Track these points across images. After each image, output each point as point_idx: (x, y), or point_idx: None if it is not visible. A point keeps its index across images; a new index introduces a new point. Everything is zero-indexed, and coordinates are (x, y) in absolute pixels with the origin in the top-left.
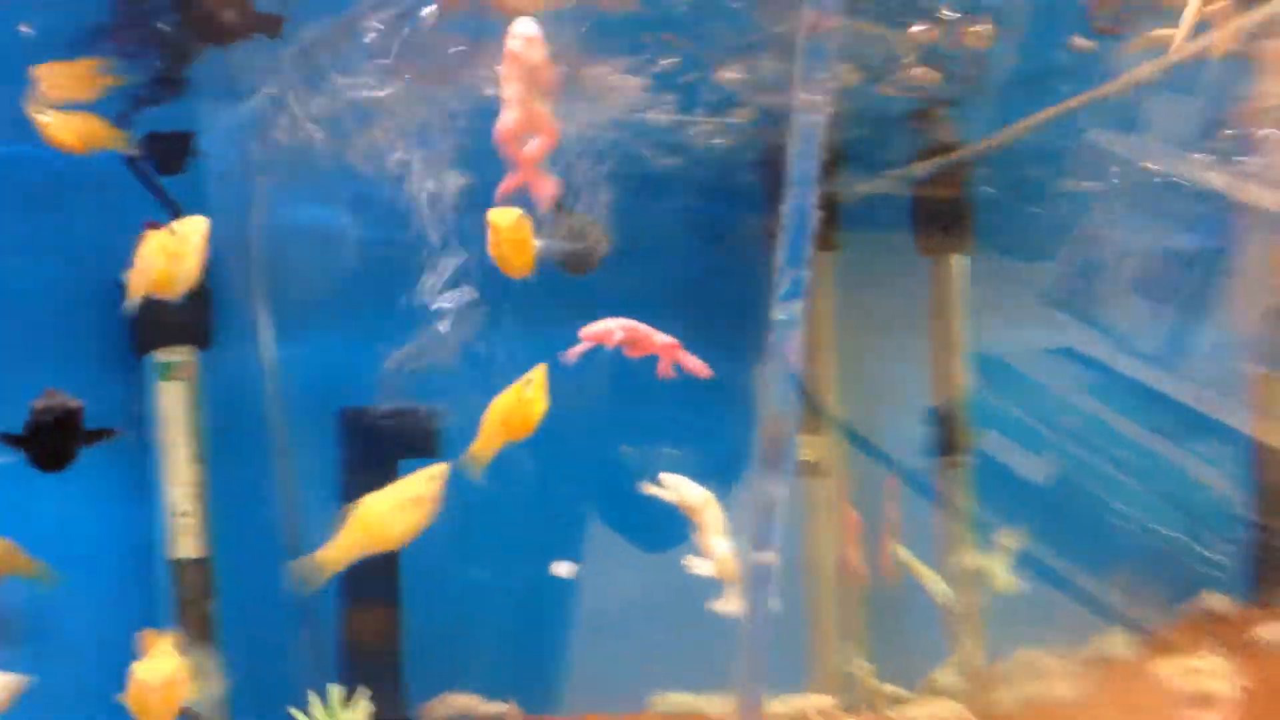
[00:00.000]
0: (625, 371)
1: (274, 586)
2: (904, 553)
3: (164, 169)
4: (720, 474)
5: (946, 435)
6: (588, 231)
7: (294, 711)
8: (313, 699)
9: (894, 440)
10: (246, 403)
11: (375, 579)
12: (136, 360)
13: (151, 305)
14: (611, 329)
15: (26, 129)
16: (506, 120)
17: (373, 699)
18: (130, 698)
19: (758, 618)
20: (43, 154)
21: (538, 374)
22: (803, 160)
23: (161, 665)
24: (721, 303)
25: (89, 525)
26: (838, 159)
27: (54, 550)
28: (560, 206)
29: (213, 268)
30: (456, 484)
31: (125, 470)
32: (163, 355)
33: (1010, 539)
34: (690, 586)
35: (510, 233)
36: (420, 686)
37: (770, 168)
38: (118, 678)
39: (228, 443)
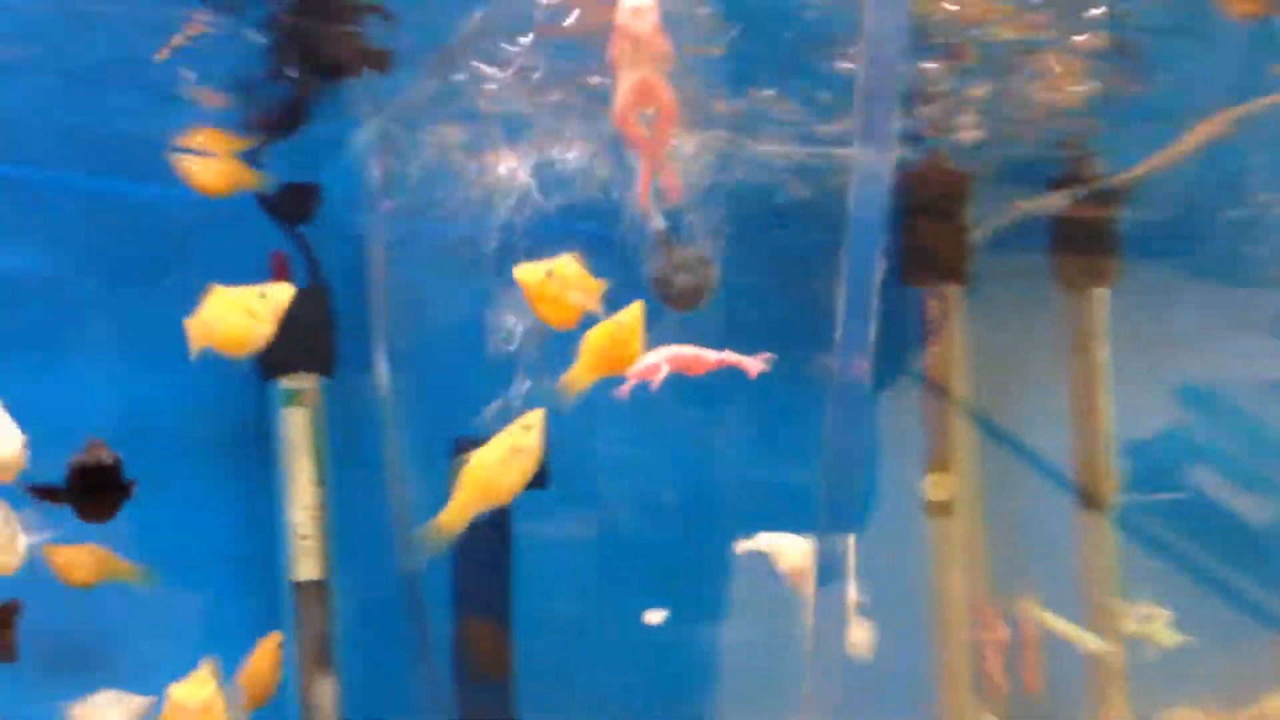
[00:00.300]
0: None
1: (389, 609)
2: (1043, 613)
3: (293, 218)
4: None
5: (1089, 480)
6: (695, 265)
7: None
8: None
9: (1032, 482)
10: (365, 430)
11: (488, 603)
12: (263, 386)
13: (277, 335)
14: (657, 363)
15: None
16: (621, 98)
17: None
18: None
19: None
20: (185, 195)
21: (635, 309)
22: (865, 208)
23: (198, 690)
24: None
25: (214, 546)
26: (970, 187)
27: (179, 570)
28: (667, 239)
29: (336, 297)
30: (579, 512)
31: (254, 492)
32: (288, 382)
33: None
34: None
35: (538, 289)
36: (531, 713)
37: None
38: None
39: (347, 468)
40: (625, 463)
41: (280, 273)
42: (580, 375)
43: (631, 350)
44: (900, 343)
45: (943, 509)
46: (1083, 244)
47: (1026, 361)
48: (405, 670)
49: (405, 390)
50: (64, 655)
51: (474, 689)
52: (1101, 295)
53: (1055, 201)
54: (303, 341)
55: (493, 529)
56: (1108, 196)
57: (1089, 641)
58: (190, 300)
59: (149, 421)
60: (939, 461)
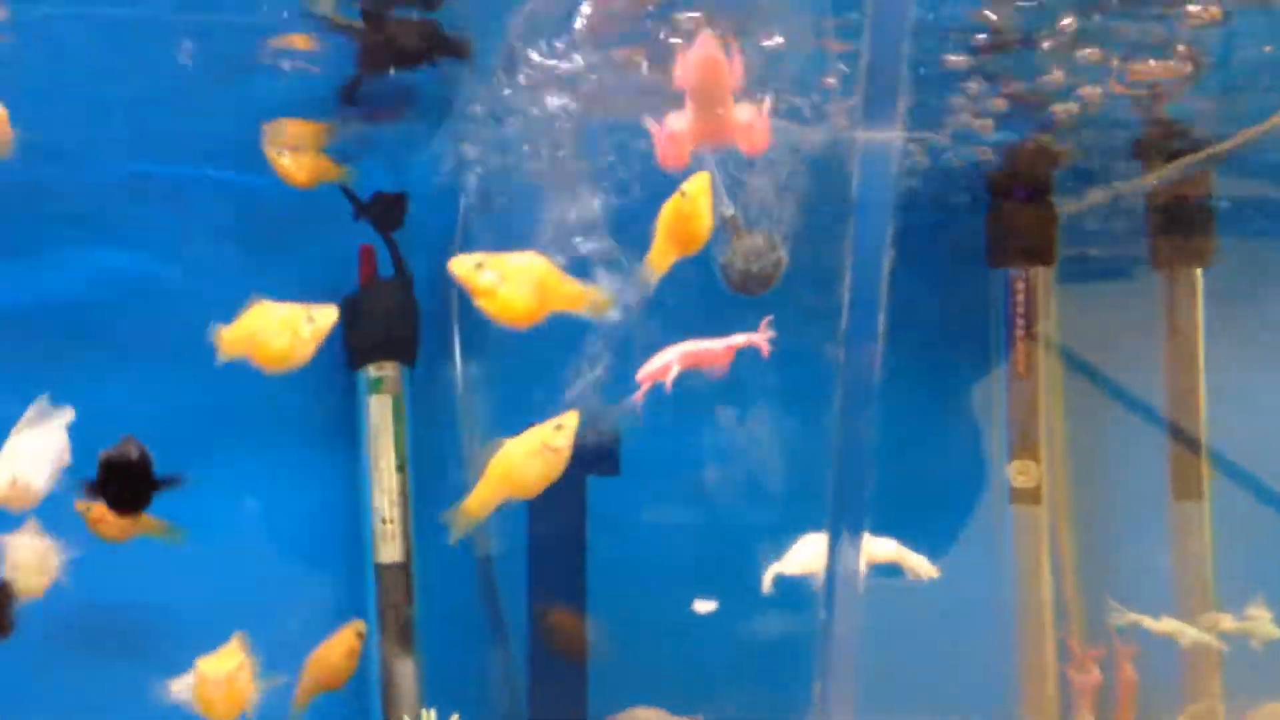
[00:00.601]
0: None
1: (467, 592)
2: (1137, 616)
3: (384, 226)
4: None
5: (1182, 469)
6: (765, 252)
7: None
8: None
9: (1123, 470)
10: (445, 417)
11: (564, 587)
12: (350, 372)
13: (364, 324)
14: (669, 362)
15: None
16: (677, 125)
17: (560, 708)
18: (195, 691)
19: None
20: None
21: (701, 179)
22: (871, 191)
23: (225, 662)
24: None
25: (302, 528)
26: (1057, 165)
27: (272, 552)
28: (737, 224)
29: (419, 289)
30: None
31: (342, 476)
32: (373, 370)
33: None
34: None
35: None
36: (606, 698)
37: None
38: None
39: (427, 454)
40: (698, 449)
41: (368, 264)
42: (658, 256)
43: (701, 224)
44: (986, 327)
45: (1029, 496)
46: (1177, 223)
47: (1119, 345)
48: (483, 652)
49: (486, 377)
50: (149, 635)
51: (550, 671)
52: (1196, 276)
53: (1149, 179)
54: (386, 331)
55: (568, 513)
56: (1203, 173)
57: (1189, 634)
58: (282, 287)
59: (239, 406)
60: (1025, 448)
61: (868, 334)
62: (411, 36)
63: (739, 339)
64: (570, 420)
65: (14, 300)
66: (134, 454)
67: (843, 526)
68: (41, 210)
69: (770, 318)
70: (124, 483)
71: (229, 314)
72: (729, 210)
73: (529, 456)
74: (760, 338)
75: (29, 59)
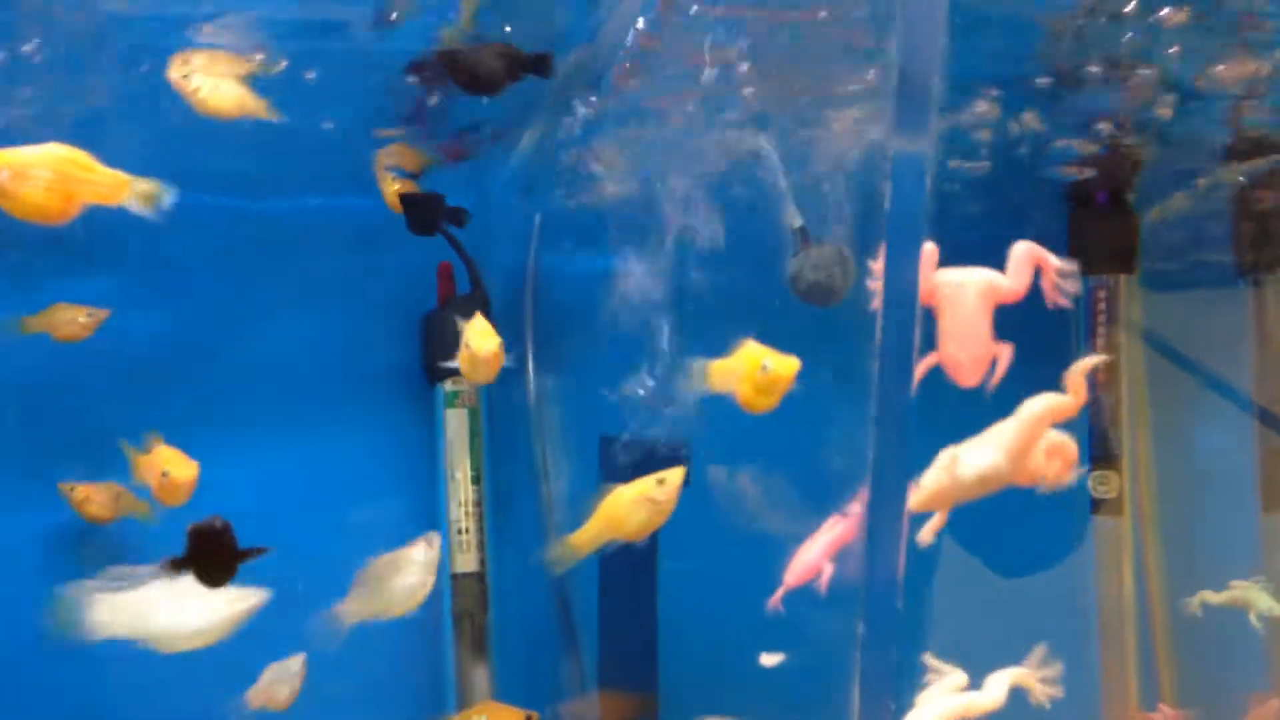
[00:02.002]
0: None
1: (540, 601)
2: (1213, 595)
3: (415, 228)
4: None
5: (1271, 484)
6: (834, 262)
7: None
8: None
9: (1211, 481)
10: (520, 430)
11: (635, 597)
12: (430, 389)
13: (442, 341)
14: (817, 562)
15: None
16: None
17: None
18: None
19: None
20: (364, 205)
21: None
22: (903, 203)
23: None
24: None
25: (384, 540)
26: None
27: (353, 561)
28: (806, 236)
29: (495, 304)
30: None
31: (421, 488)
32: (451, 384)
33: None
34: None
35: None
36: (676, 708)
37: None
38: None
39: (502, 466)
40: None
41: (446, 281)
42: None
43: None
44: (1068, 336)
45: (1111, 507)
46: (1265, 227)
47: (1204, 352)
48: (555, 660)
49: (560, 391)
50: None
51: (620, 680)
52: None
53: (1236, 179)
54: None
55: None
56: None
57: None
58: (367, 305)
59: (323, 421)
60: (1106, 458)
61: (902, 353)
62: (494, 60)
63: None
64: (675, 476)
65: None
66: (219, 525)
67: (877, 540)
68: None
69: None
70: (212, 554)
71: (316, 328)
72: (798, 221)
73: (634, 505)
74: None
75: None
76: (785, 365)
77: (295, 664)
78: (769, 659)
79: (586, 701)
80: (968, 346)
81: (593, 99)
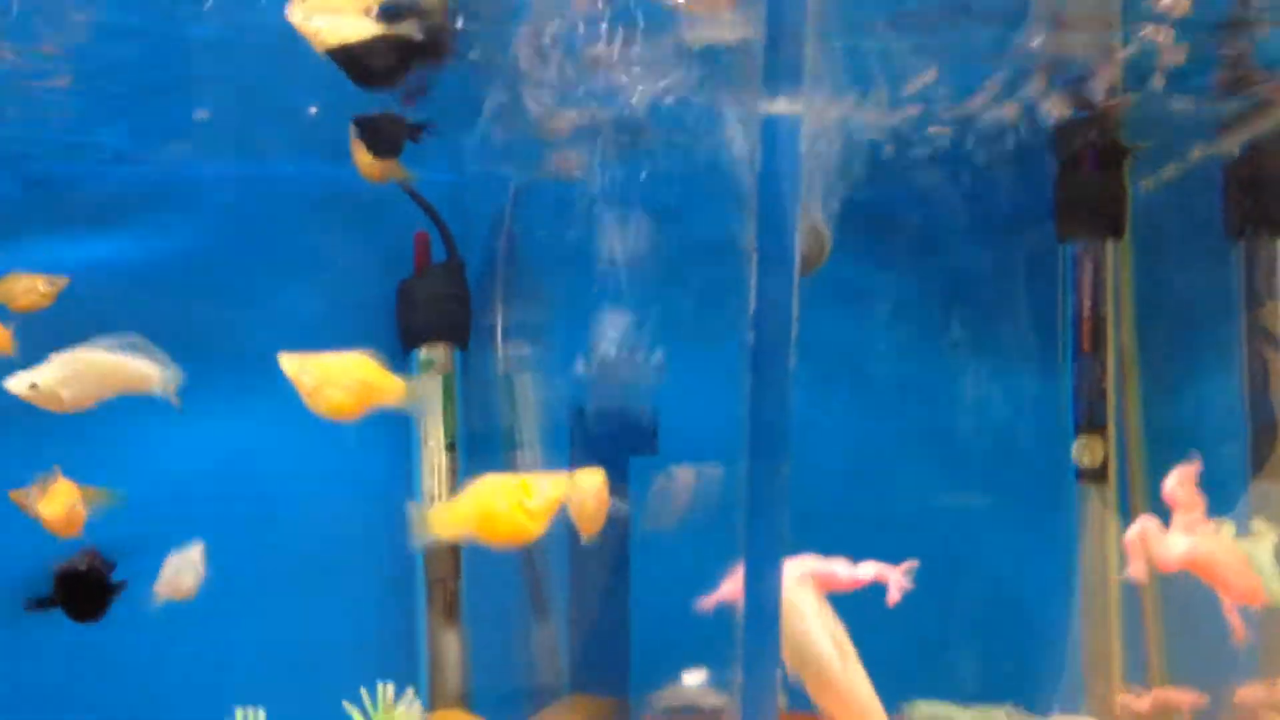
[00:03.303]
0: None
1: (510, 568)
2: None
3: (379, 151)
4: None
5: (1260, 450)
6: (808, 235)
7: (347, 705)
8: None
9: (1202, 451)
10: (494, 398)
11: (607, 564)
12: (405, 355)
13: (417, 307)
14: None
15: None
16: None
17: (601, 684)
18: None
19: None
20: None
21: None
22: (777, 166)
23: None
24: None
25: (358, 506)
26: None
27: (327, 527)
28: None
29: (471, 277)
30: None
31: (395, 455)
32: (425, 352)
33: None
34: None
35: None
36: (648, 675)
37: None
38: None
39: (476, 434)
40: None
41: (422, 250)
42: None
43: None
44: (1053, 301)
45: (1095, 474)
46: (1257, 190)
47: (1194, 318)
48: (526, 628)
49: (534, 361)
50: None
51: (591, 644)
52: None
53: (1229, 144)
54: (438, 314)
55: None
56: None
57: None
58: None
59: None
60: (1091, 425)
61: (779, 322)
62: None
63: (867, 573)
64: (555, 490)
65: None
66: (84, 565)
67: (757, 523)
68: None
69: (915, 564)
70: (80, 592)
71: (293, 296)
72: None
73: (507, 508)
74: (897, 577)
75: None
76: (553, 488)
77: (195, 552)
78: (692, 677)
79: (559, 707)
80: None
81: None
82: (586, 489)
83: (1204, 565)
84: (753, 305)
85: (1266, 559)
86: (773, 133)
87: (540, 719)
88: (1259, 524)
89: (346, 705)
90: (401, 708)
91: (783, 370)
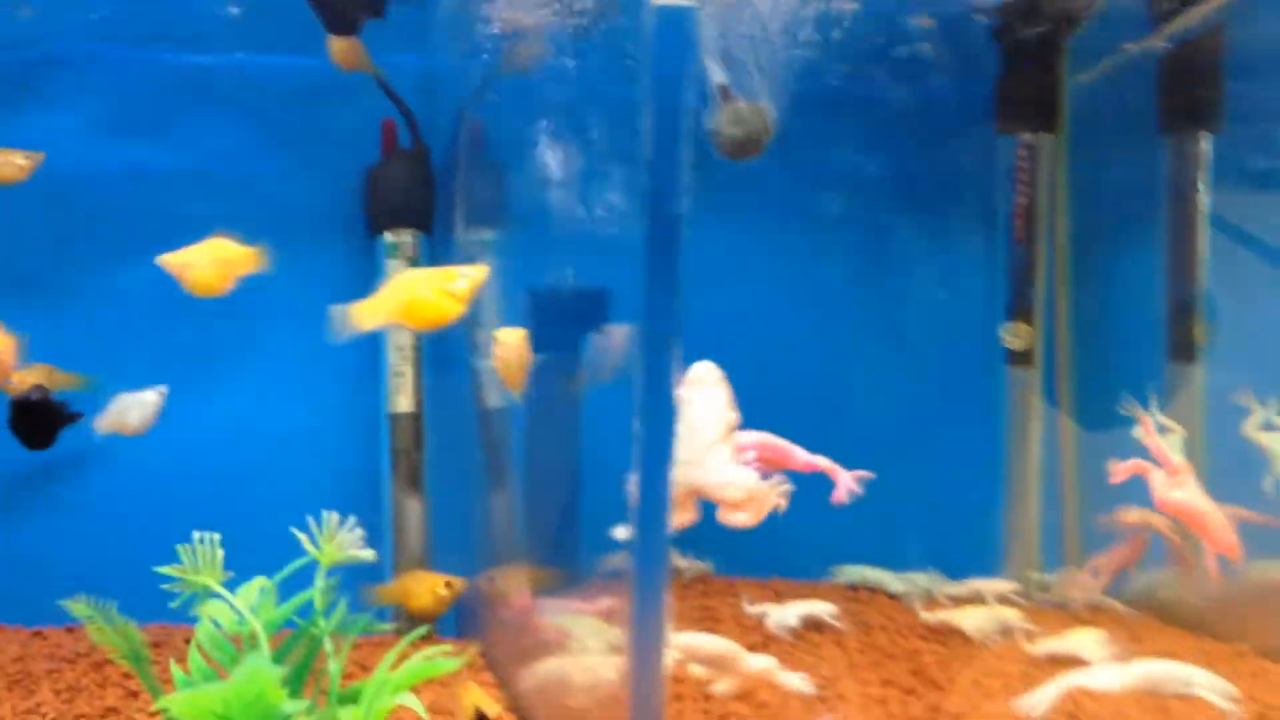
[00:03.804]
0: None
1: (469, 438)
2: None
3: (333, 28)
4: None
5: (1179, 333)
6: (750, 118)
7: (294, 530)
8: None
9: (1124, 336)
10: None
11: (560, 435)
12: (371, 240)
13: (383, 193)
14: (750, 446)
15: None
16: None
17: (554, 549)
18: None
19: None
20: (310, 64)
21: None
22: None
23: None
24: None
25: (328, 382)
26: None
27: (299, 402)
28: (728, 93)
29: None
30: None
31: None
32: (391, 236)
33: None
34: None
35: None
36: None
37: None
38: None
39: None
40: None
41: (388, 137)
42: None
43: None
44: (989, 191)
45: (1023, 358)
46: (1186, 86)
47: (1124, 210)
48: (484, 494)
49: (493, 244)
50: None
51: (545, 512)
52: (1204, 139)
53: (1159, 42)
54: (404, 199)
55: (565, 368)
56: (1213, 36)
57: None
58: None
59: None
60: (1020, 311)
61: (670, 207)
62: None
63: (824, 462)
64: (478, 274)
65: None
66: (35, 397)
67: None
68: None
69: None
70: (32, 421)
71: (262, 187)
72: (720, 76)
73: (433, 294)
74: (847, 479)
75: None
76: (476, 272)
77: (150, 395)
78: (621, 532)
79: (507, 573)
80: None
81: None
82: (508, 344)
83: (1194, 517)
84: (647, 187)
85: None
86: (664, 30)
87: (487, 578)
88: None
89: (294, 530)
90: (344, 532)
91: (674, 250)
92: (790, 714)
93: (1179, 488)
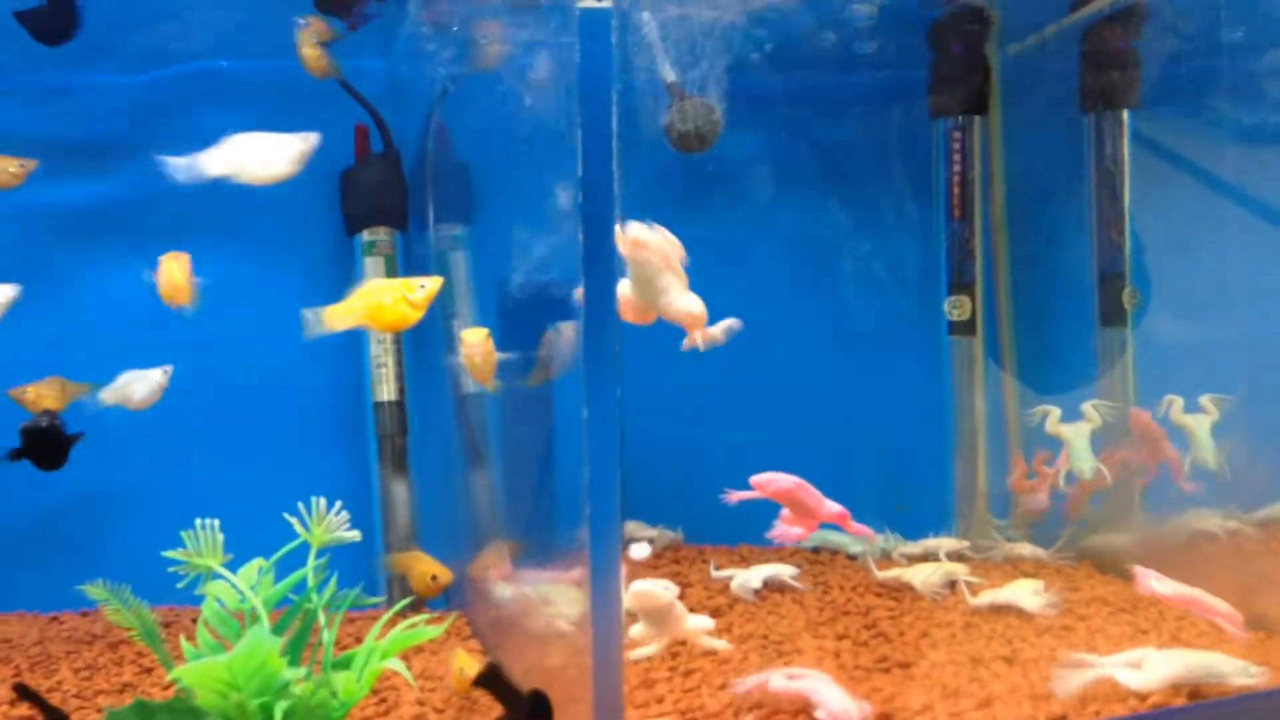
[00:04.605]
0: None
1: (449, 424)
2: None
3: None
4: None
5: (1106, 301)
6: (701, 114)
7: (287, 516)
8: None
9: (1059, 304)
10: (430, 274)
11: (534, 418)
12: (349, 238)
13: (358, 194)
14: (780, 489)
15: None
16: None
17: (530, 528)
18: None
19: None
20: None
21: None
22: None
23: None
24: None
25: (314, 373)
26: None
27: (289, 394)
28: (679, 90)
29: (408, 167)
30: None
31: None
32: (368, 234)
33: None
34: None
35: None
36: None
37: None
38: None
39: None
40: None
41: (362, 141)
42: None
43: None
44: (923, 172)
45: (964, 328)
46: (1105, 65)
47: (1054, 185)
48: (465, 475)
49: (464, 240)
50: None
51: (522, 492)
52: (1122, 115)
53: (1077, 22)
54: (378, 200)
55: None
56: (1130, 17)
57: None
58: None
59: (254, 273)
60: (960, 284)
61: (603, 198)
62: None
63: (835, 510)
64: (434, 284)
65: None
66: (44, 423)
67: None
68: None
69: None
70: (43, 445)
71: (249, 189)
72: (671, 76)
73: (393, 301)
74: (859, 528)
75: None
76: (431, 282)
77: (156, 373)
78: (638, 551)
79: (490, 552)
80: None
81: None
82: (472, 344)
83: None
84: (580, 177)
85: (1204, 433)
86: (587, 24)
87: (472, 560)
88: (1205, 401)
89: (286, 516)
90: (331, 516)
91: (608, 243)
92: (749, 668)
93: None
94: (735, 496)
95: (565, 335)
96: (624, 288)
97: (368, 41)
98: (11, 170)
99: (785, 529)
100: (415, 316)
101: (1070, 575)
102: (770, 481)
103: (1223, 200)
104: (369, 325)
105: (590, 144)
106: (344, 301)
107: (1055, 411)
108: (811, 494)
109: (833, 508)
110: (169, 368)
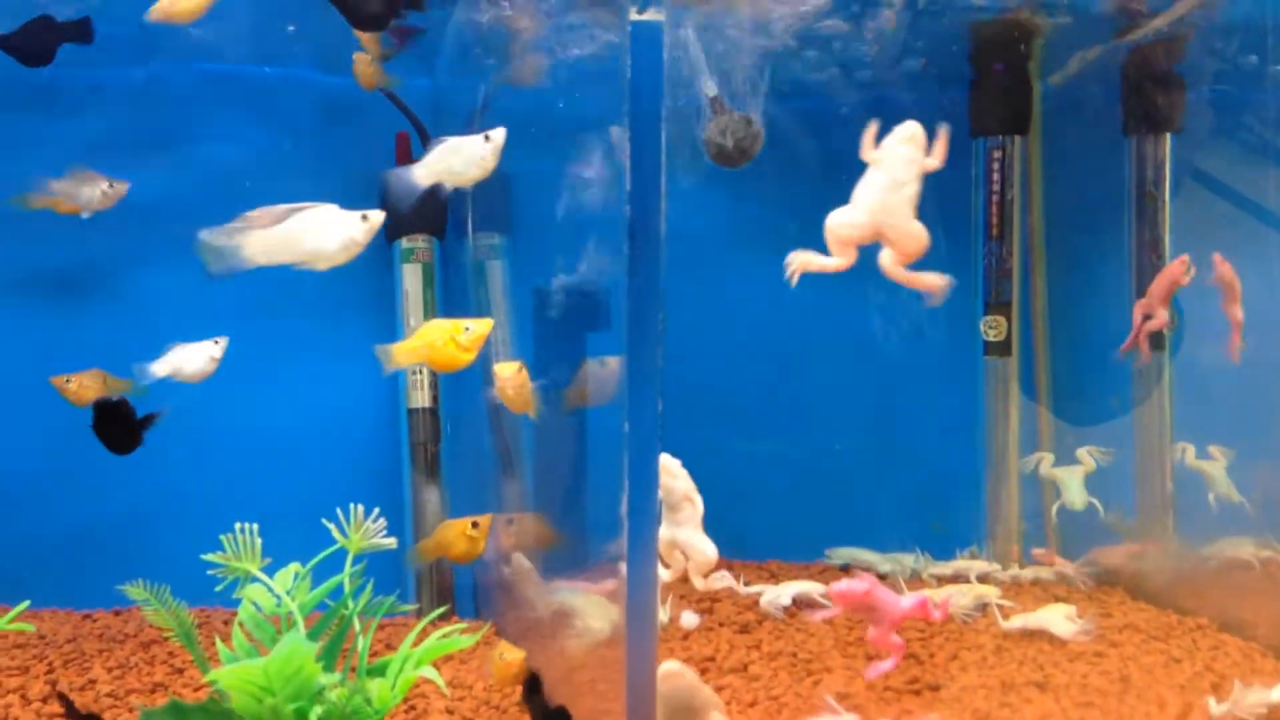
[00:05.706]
0: None
1: (483, 431)
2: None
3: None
4: None
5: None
6: (740, 129)
7: (325, 522)
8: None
9: (1097, 326)
10: (468, 283)
11: (564, 426)
12: (388, 245)
13: (398, 204)
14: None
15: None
16: None
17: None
18: None
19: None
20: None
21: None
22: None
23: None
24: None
25: (357, 384)
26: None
27: (326, 398)
28: (720, 104)
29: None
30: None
31: (381, 335)
32: (406, 242)
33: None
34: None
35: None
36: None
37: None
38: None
39: (454, 313)
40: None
41: (402, 149)
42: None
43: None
44: (962, 191)
45: (999, 349)
46: (1147, 90)
47: (1094, 206)
48: (498, 483)
49: (502, 249)
50: None
51: (552, 496)
52: (1164, 139)
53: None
54: (418, 208)
55: (568, 360)
56: (1175, 41)
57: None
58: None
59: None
60: (997, 305)
61: (650, 208)
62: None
63: (911, 604)
64: (481, 327)
65: None
66: (115, 401)
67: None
68: None
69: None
70: (115, 425)
71: (293, 194)
72: (713, 90)
73: (445, 342)
74: (938, 615)
75: None
76: (479, 326)
77: (209, 345)
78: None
79: (529, 518)
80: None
81: None
82: (504, 378)
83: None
84: (628, 188)
85: (1220, 471)
86: (639, 37)
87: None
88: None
89: (325, 522)
90: (368, 523)
91: (655, 254)
92: (779, 686)
93: None
94: (820, 616)
95: (609, 370)
96: None
97: (409, 58)
98: (103, 189)
99: (877, 665)
100: (466, 359)
101: (1103, 601)
102: (847, 593)
103: (1264, 226)
104: (430, 364)
105: (638, 156)
106: (407, 340)
107: (1048, 457)
108: (884, 594)
109: (908, 603)
110: (222, 339)
